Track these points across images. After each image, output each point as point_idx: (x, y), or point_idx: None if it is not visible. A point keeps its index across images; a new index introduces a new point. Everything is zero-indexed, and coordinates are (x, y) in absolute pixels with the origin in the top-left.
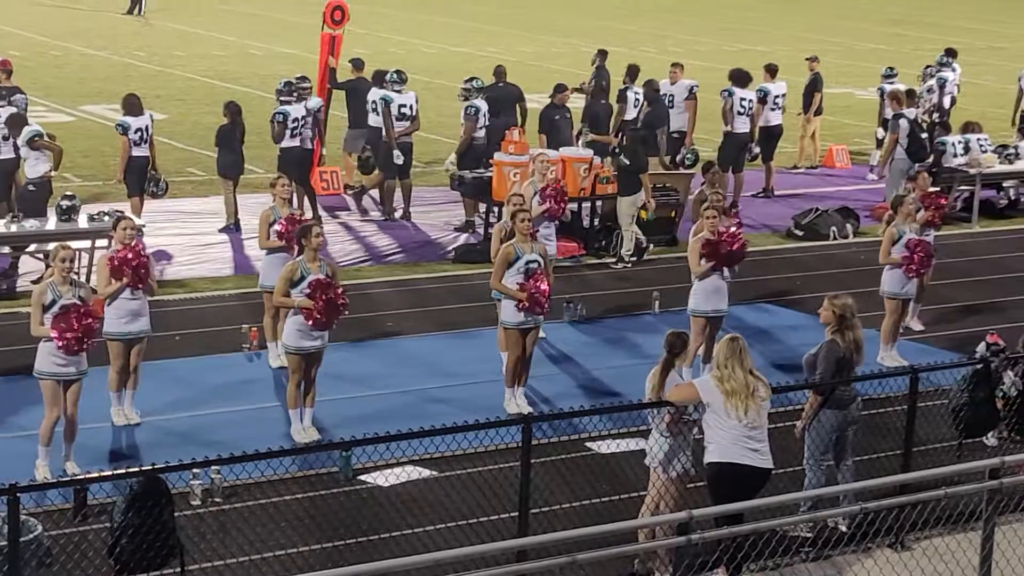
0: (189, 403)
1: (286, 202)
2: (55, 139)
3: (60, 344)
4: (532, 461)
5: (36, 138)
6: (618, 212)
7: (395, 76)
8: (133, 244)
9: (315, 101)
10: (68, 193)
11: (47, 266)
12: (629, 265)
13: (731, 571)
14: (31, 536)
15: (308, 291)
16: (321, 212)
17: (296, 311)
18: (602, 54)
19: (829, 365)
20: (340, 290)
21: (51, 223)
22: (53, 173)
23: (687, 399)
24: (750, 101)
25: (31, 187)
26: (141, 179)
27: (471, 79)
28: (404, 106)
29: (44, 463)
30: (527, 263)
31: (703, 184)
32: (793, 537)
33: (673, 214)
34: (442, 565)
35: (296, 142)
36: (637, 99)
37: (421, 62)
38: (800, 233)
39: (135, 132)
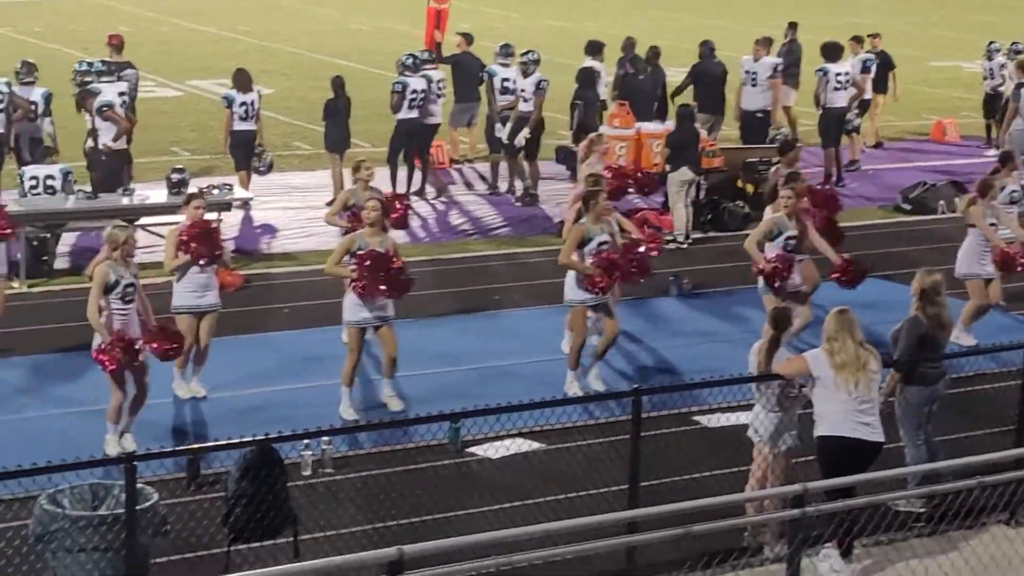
0: (297, 375)
1: (367, 185)
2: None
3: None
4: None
5: (105, 108)
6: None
7: (501, 50)
8: (203, 219)
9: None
10: (178, 167)
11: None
12: (684, 245)
13: (844, 546)
14: (148, 504)
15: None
16: (429, 187)
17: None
18: (792, 27)
19: (910, 341)
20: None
21: (162, 196)
22: (112, 144)
23: (797, 372)
24: (846, 74)
25: (103, 156)
26: (247, 153)
27: (527, 52)
28: (508, 80)
29: (113, 439)
30: (599, 244)
31: (778, 163)
32: (905, 512)
33: None
34: (552, 536)
35: (414, 114)
36: None
37: (525, 37)
38: (908, 207)
39: (240, 106)
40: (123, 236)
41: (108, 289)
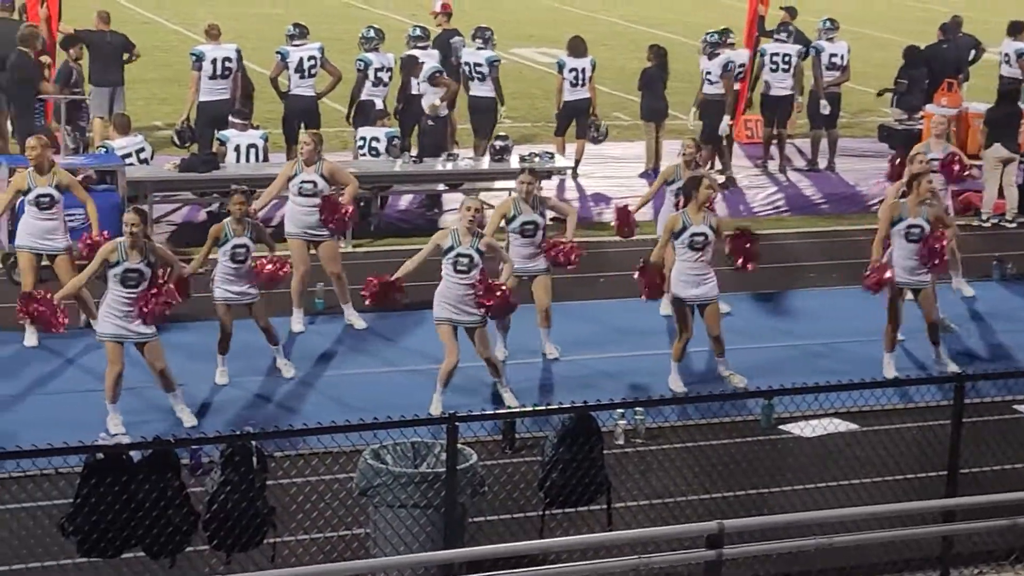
0: (611, 344)
1: (688, 165)
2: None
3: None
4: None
5: (437, 75)
6: None
7: (828, 24)
8: None
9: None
10: (501, 134)
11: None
12: (986, 223)
13: None
14: (467, 464)
15: None
16: (746, 162)
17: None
18: None
19: None
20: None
21: (484, 163)
22: (442, 106)
23: None
24: None
25: (430, 122)
26: (570, 121)
27: (710, 32)
28: (835, 55)
29: (439, 399)
30: (908, 227)
31: None
32: None
33: None
34: (867, 520)
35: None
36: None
37: (847, 10)
38: None
39: (569, 71)
40: (468, 204)
41: (443, 252)
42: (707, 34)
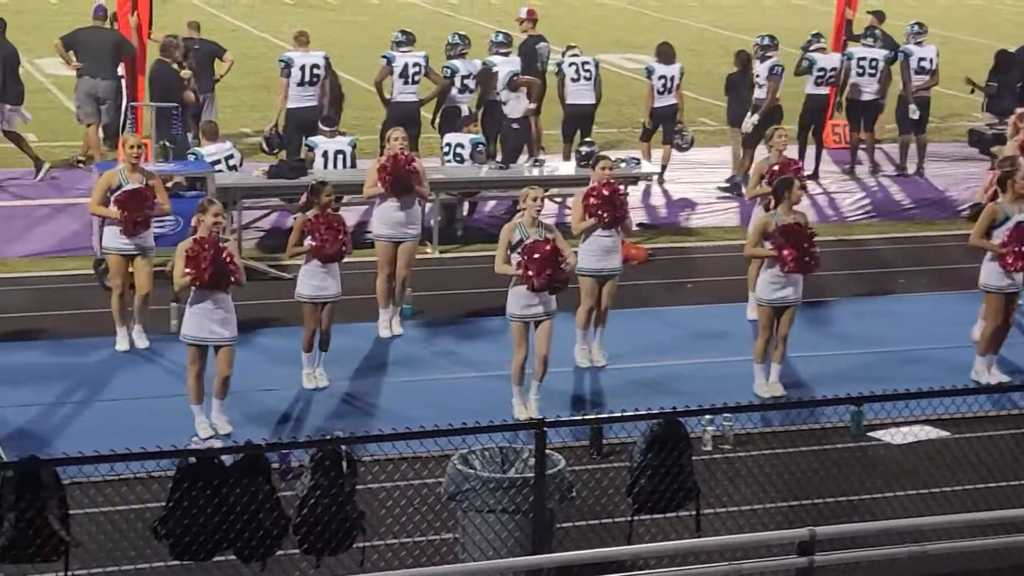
0: (698, 350)
1: (780, 153)
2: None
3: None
4: None
5: (514, 78)
6: None
7: (916, 28)
8: (610, 183)
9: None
10: (588, 139)
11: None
12: None
13: None
14: (555, 470)
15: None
16: (833, 167)
17: None
18: None
19: None
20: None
21: (570, 168)
22: (533, 105)
23: None
24: None
25: (515, 125)
26: (658, 128)
27: (761, 36)
28: (924, 59)
29: (519, 402)
30: (1017, 223)
31: None
32: None
33: None
34: (960, 528)
35: (822, 90)
36: None
37: (936, 14)
38: None
39: (658, 79)
40: (531, 195)
41: (512, 247)
42: (759, 37)
